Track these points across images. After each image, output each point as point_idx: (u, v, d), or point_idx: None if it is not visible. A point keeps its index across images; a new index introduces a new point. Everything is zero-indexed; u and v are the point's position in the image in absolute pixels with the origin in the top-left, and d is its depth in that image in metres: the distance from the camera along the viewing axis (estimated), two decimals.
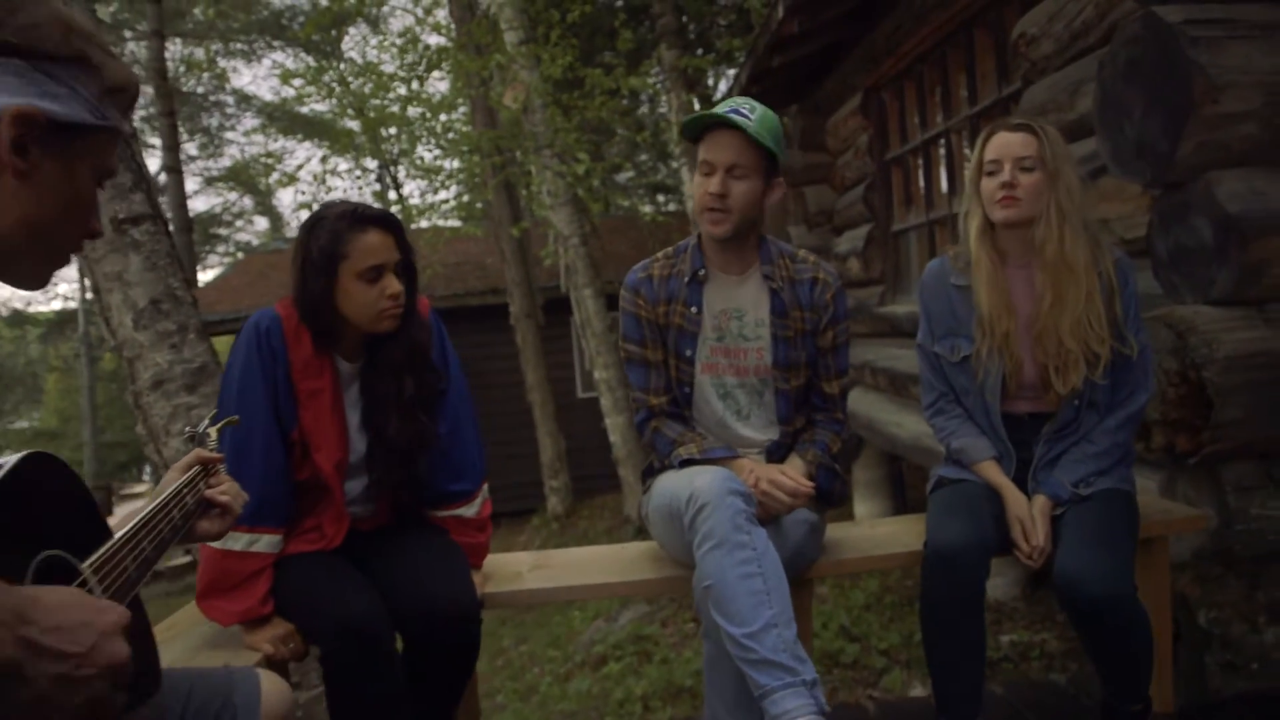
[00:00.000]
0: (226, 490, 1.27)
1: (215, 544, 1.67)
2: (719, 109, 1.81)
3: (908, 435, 4.61)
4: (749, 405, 1.98)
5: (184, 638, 1.75)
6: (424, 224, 11.22)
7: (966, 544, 1.69)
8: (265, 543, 1.70)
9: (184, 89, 21.27)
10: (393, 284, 1.70)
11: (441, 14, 7.39)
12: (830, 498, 1.99)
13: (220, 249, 24.52)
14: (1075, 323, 1.79)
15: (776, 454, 1.99)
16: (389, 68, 10.06)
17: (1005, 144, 1.84)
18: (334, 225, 1.68)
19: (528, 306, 10.25)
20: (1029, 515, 1.81)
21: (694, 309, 1.94)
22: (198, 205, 24.00)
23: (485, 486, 1.97)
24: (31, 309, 25.64)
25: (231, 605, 1.67)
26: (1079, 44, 2.81)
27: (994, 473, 1.90)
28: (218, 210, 23.74)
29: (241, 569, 1.67)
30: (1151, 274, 2.33)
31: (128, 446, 21.81)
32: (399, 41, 8.46)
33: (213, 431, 1.49)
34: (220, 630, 1.75)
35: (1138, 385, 1.85)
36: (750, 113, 1.82)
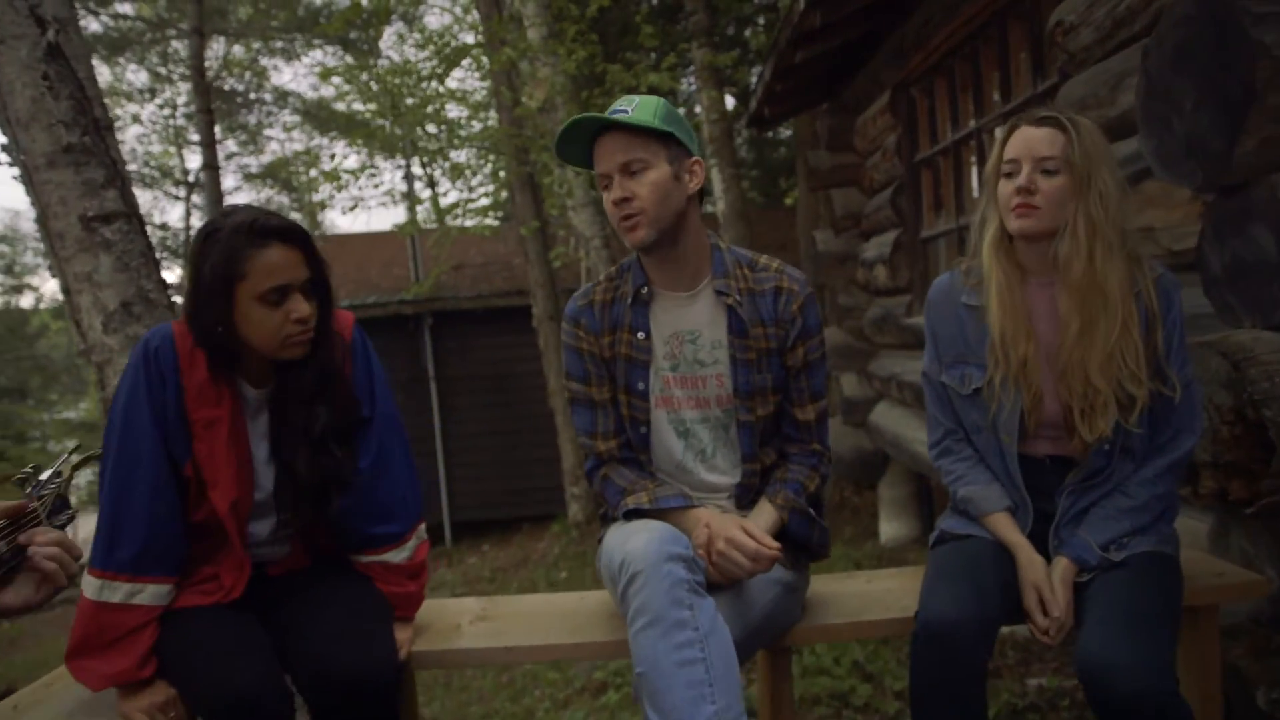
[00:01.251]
0: (52, 554, 1.04)
1: (90, 594, 1.45)
2: (583, 118, 1.59)
3: None
4: (713, 443, 1.72)
5: (47, 705, 1.53)
6: (458, 224, 11.08)
7: (964, 617, 1.41)
8: (150, 594, 1.47)
9: (225, 87, 21.47)
10: (300, 306, 1.47)
11: (533, 31, 7.26)
12: (808, 547, 1.72)
13: None
14: (1106, 359, 1.50)
15: (745, 498, 1.73)
16: (423, 66, 9.90)
17: (1026, 141, 1.56)
18: (229, 241, 1.44)
19: (551, 308, 10.03)
20: (1047, 581, 1.52)
21: (641, 334, 1.69)
22: (239, 201, 24.24)
23: (421, 528, 1.73)
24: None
25: (104, 666, 1.45)
26: (1122, 32, 2.51)
27: (1007, 528, 1.62)
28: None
29: (119, 623, 1.45)
30: (1202, 292, 2.03)
31: None
32: (419, 39, 8.30)
33: (66, 469, 1.26)
34: (91, 696, 1.52)
35: (1182, 427, 1.55)
36: (628, 105, 1.60)
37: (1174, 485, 1.56)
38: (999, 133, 1.63)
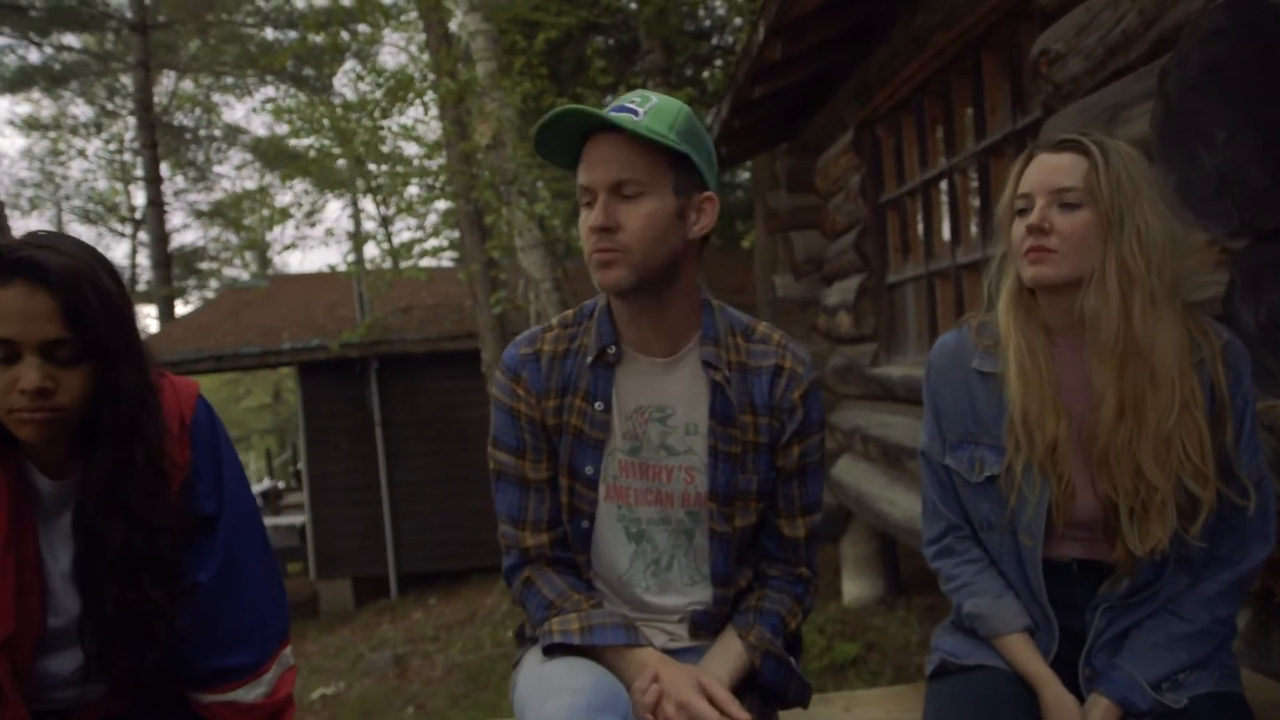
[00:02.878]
0: None
1: None
2: (572, 111, 1.22)
3: (900, 514, 4.00)
4: (671, 552, 1.37)
5: None
6: (411, 264, 10.69)
7: None
8: None
9: (174, 123, 20.95)
10: (29, 374, 1.09)
11: (482, 66, 6.99)
12: (783, 698, 1.38)
13: (213, 284, 24.03)
14: (1162, 447, 1.19)
15: (707, 627, 1.38)
16: (370, 101, 9.57)
17: (1041, 170, 1.26)
18: None
19: (498, 354, 9.66)
20: None
21: (600, 405, 1.33)
22: (187, 239, 23.61)
23: (285, 653, 1.35)
24: None
25: None
26: (1116, 60, 2.26)
27: (1027, 654, 1.29)
28: (201, 244, 23.29)
29: None
30: None
31: None
32: (368, 75, 7.99)
33: None
34: None
35: (1252, 534, 1.24)
36: (640, 105, 1.24)
37: (1237, 606, 1.25)
38: (1015, 165, 1.33)
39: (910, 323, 4.30)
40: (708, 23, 11.64)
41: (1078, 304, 1.24)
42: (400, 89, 7.32)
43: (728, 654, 1.30)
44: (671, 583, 1.37)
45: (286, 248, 22.68)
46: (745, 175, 13.64)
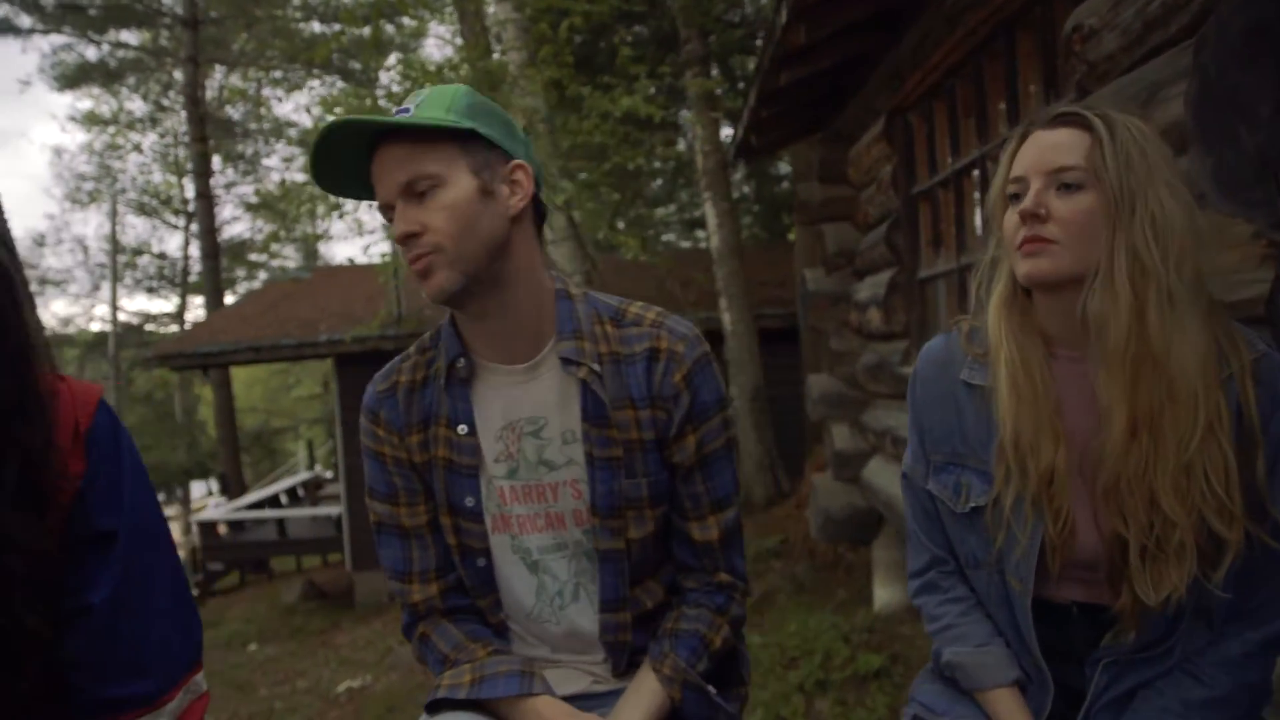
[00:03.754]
0: None
1: None
2: (337, 123, 1.11)
3: None
4: (573, 580, 1.23)
5: None
6: None
7: None
8: None
9: (222, 116, 21.28)
10: None
11: (512, 56, 6.90)
12: None
13: (261, 276, 24.43)
14: (1183, 474, 1.01)
15: (625, 659, 1.24)
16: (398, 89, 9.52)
17: (1038, 149, 1.09)
18: None
19: None
20: None
21: (463, 428, 1.21)
22: (237, 230, 24.01)
23: (196, 678, 1.23)
24: (69, 329, 25.82)
25: None
26: (1155, 35, 2.05)
27: (1013, 713, 1.12)
28: (248, 236, 23.68)
29: None
30: None
31: (156, 471, 21.65)
32: (405, 67, 7.92)
33: None
34: None
35: None
36: (412, 101, 1.14)
37: (1270, 671, 1.06)
38: (1008, 143, 1.15)
39: (942, 319, 4.09)
40: (750, 8, 11.41)
41: (1080, 305, 1.06)
42: (427, 80, 7.26)
43: (641, 695, 1.16)
44: (584, 613, 1.23)
45: (316, 238, 22.90)
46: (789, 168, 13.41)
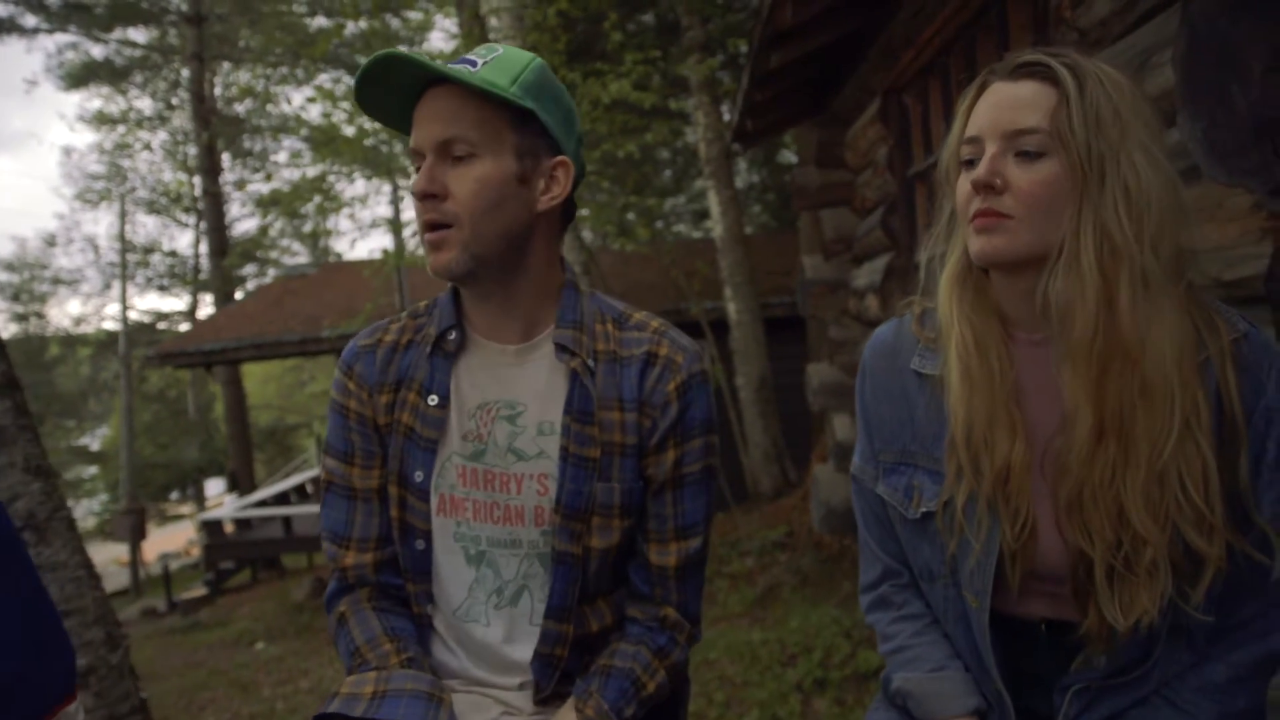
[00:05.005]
0: None
1: None
2: (394, 56, 1.02)
3: None
4: (519, 581, 1.14)
5: None
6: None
7: None
8: None
9: (230, 113, 21.25)
10: None
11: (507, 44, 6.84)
12: None
13: (271, 272, 24.45)
14: (1152, 481, 0.89)
15: (551, 684, 1.13)
16: None
17: (993, 106, 0.96)
18: None
19: None
20: None
21: (434, 399, 1.14)
22: (247, 227, 24.03)
23: (68, 710, 1.12)
24: (81, 329, 25.97)
25: None
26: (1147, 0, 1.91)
27: None
28: (253, 233, 23.68)
29: None
30: (1277, 339, 1.41)
31: (169, 469, 21.73)
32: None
33: None
34: None
35: (1277, 601, 0.93)
36: (482, 56, 1.06)
37: (1262, 695, 0.93)
38: (964, 95, 1.02)
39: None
40: None
41: (1041, 289, 0.94)
42: None
43: None
44: (518, 622, 1.14)
45: (313, 234, 22.88)
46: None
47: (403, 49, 0.99)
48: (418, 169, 1.08)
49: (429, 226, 1.06)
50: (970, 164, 0.97)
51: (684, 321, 9.50)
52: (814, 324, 6.38)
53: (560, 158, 1.11)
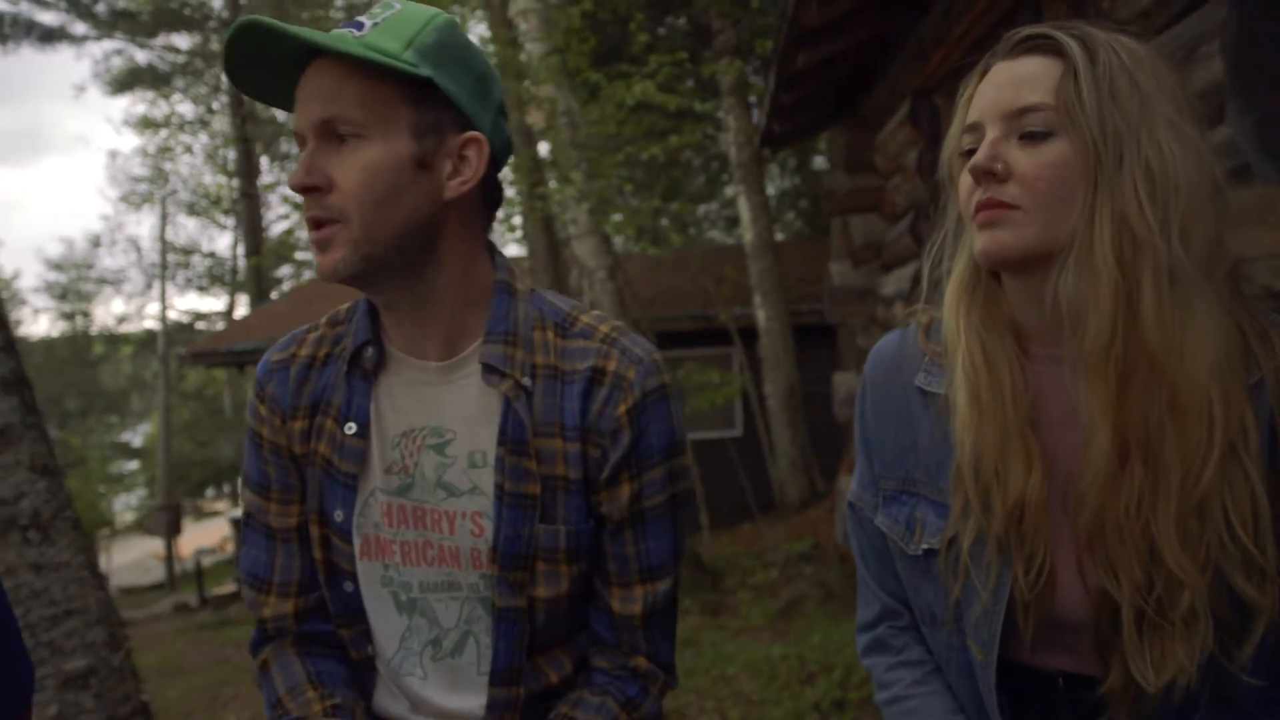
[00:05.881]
0: None
1: None
2: (258, 25, 0.85)
3: None
4: (462, 629, 1.00)
5: None
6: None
7: None
8: None
9: (267, 116, 21.52)
10: None
11: (532, 46, 6.78)
12: None
13: (306, 274, 24.70)
14: (1188, 513, 0.77)
15: None
16: None
17: (995, 86, 0.85)
18: None
19: None
20: None
21: (350, 427, 0.99)
22: (284, 228, 24.30)
23: None
24: (123, 328, 26.46)
25: None
26: None
27: None
28: (287, 234, 23.96)
29: None
30: None
31: (204, 465, 22.03)
32: None
33: None
34: None
35: None
36: (372, 18, 0.89)
37: None
38: (966, 83, 0.92)
39: None
40: None
41: (1053, 284, 0.82)
42: None
43: None
44: (463, 672, 1.01)
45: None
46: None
47: (269, 19, 0.84)
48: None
49: (313, 224, 0.90)
50: (972, 154, 0.86)
51: (713, 328, 9.40)
52: (843, 332, 6.24)
53: (470, 134, 0.93)
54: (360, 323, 1.00)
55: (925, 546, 0.90)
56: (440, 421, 0.98)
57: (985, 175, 0.82)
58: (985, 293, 0.89)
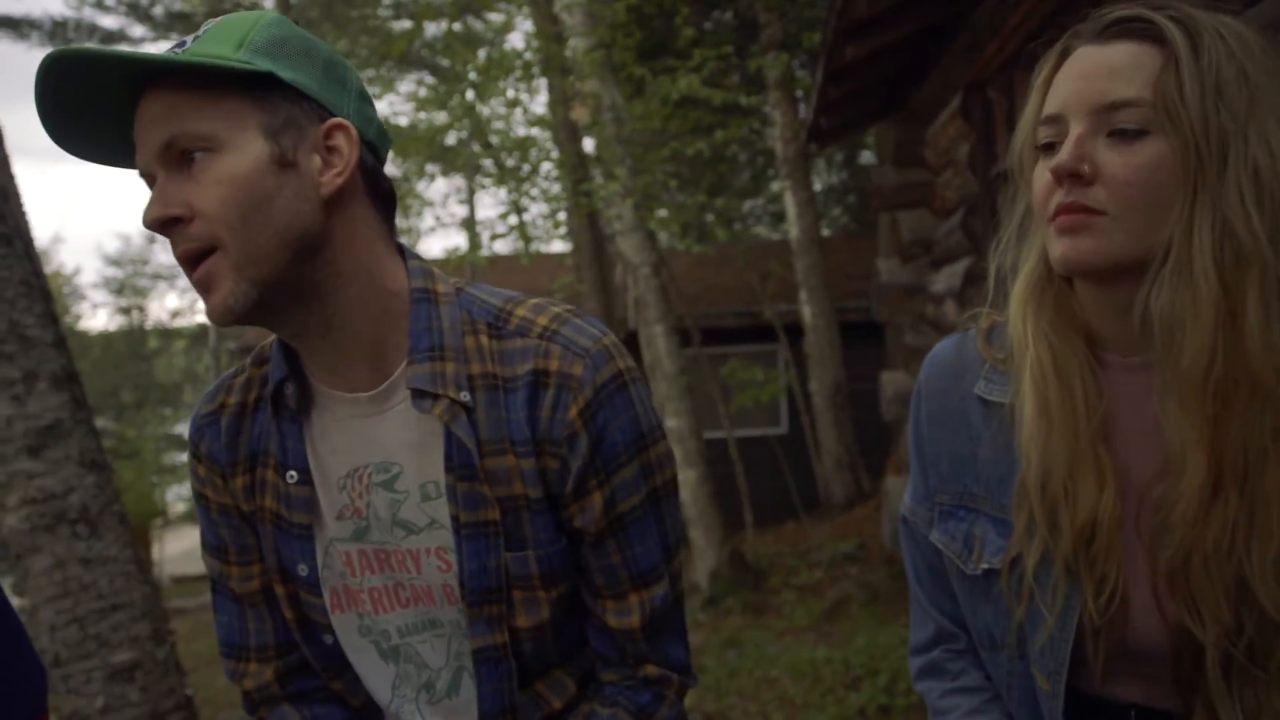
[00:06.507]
0: None
1: None
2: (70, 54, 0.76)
3: None
4: (455, 663, 0.94)
5: None
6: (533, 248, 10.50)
7: None
8: None
9: None
10: None
11: (575, 42, 6.80)
12: None
13: None
14: None
15: None
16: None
17: (1079, 75, 0.77)
18: None
19: None
20: None
21: (292, 475, 0.92)
22: None
23: None
24: (176, 323, 27.09)
25: None
26: None
27: None
28: None
29: None
30: None
31: None
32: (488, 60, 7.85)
33: None
34: None
35: None
36: (196, 35, 0.81)
37: None
38: (1041, 64, 0.84)
39: None
40: None
41: (1141, 302, 0.75)
42: (494, 67, 7.15)
43: None
44: (465, 710, 0.95)
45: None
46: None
47: (83, 47, 0.76)
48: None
49: (186, 263, 0.80)
50: (1050, 148, 0.79)
51: (758, 325, 9.32)
52: (891, 330, 6.14)
53: (333, 120, 0.84)
54: (275, 358, 0.91)
55: (985, 566, 0.85)
56: (384, 456, 0.90)
57: (1070, 176, 0.75)
58: (1056, 295, 0.82)
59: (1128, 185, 0.74)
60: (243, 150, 0.79)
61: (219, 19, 0.83)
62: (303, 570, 0.93)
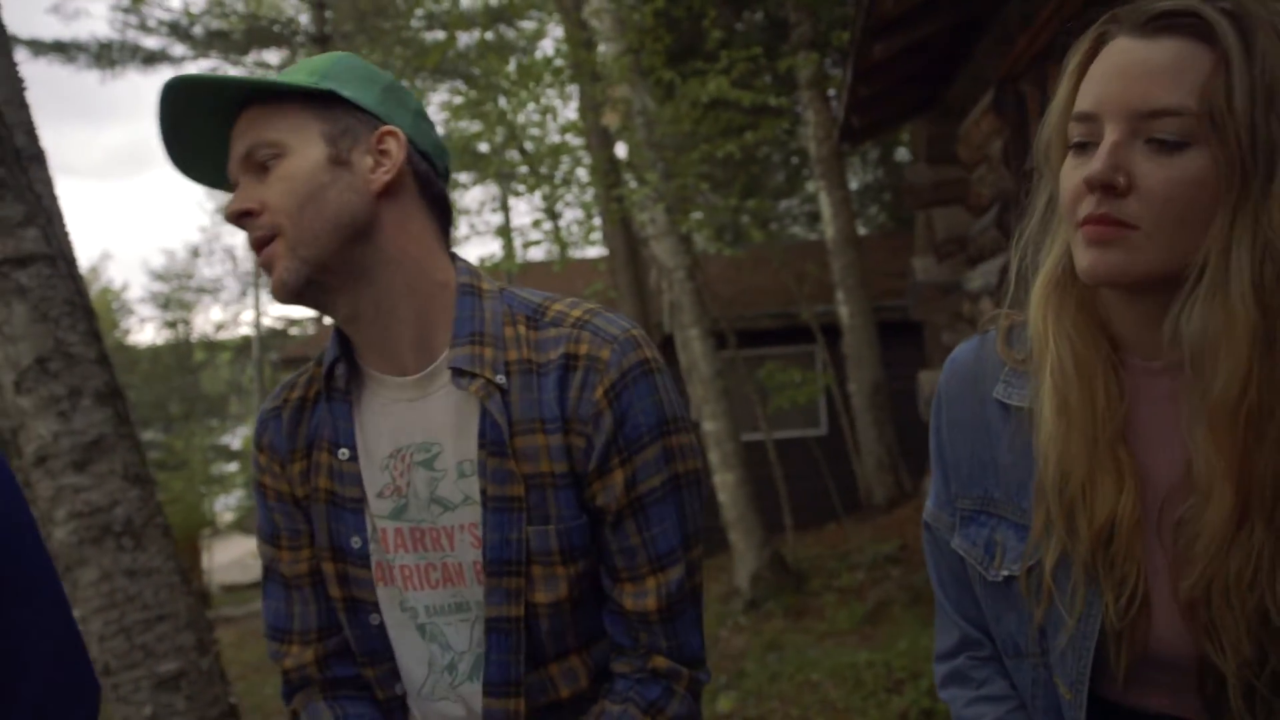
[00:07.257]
0: None
1: None
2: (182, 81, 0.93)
3: None
4: (477, 648, 0.99)
5: None
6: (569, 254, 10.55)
7: None
8: None
9: None
10: None
11: (604, 47, 6.86)
12: None
13: None
14: None
15: None
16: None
17: (1121, 74, 0.72)
18: None
19: None
20: None
21: (344, 452, 0.99)
22: None
23: None
24: (221, 335, 27.63)
25: None
26: None
27: None
28: None
29: None
30: None
31: None
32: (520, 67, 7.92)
33: None
34: None
35: None
36: (280, 70, 1.02)
37: None
38: (1074, 49, 0.79)
39: None
40: None
41: (1173, 318, 0.72)
42: (524, 74, 7.20)
43: None
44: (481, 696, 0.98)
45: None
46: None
47: (199, 74, 0.95)
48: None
49: (255, 248, 0.94)
50: (1081, 147, 0.75)
51: (794, 326, 9.27)
52: (929, 329, 6.07)
53: (385, 127, 0.96)
54: (330, 343, 1.00)
55: (1006, 573, 0.83)
56: (425, 436, 0.98)
57: (1104, 188, 0.71)
58: (1078, 294, 0.80)
59: (1165, 201, 0.70)
60: (304, 153, 0.93)
61: (303, 60, 1.00)
62: (355, 543, 1.00)
